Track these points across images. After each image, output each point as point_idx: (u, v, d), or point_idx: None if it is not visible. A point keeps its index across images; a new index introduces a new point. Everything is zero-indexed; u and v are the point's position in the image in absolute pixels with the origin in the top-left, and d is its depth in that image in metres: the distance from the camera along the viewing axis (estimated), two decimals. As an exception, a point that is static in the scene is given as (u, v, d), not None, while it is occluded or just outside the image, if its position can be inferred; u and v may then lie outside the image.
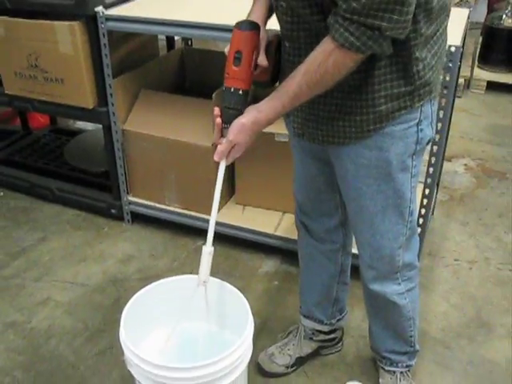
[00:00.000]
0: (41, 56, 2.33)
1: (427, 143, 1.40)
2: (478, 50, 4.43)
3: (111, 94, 2.28)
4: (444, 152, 2.58)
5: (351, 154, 1.38)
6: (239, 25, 1.30)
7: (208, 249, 1.46)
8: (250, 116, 1.27)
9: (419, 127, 1.34)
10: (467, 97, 4.21)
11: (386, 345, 1.76)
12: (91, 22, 2.16)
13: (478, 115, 3.94)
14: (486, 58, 4.33)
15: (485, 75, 4.29)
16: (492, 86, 4.26)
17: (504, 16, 4.13)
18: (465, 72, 4.23)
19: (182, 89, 2.64)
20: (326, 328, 1.91)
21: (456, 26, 1.95)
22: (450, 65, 1.76)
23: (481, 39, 4.43)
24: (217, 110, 1.32)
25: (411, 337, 1.72)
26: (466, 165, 3.26)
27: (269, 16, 1.42)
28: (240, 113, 1.30)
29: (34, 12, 2.29)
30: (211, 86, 2.22)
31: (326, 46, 1.16)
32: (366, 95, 1.27)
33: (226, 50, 1.33)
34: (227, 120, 1.31)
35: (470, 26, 5.22)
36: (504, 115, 3.94)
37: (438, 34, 1.28)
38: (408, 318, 1.67)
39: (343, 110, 1.31)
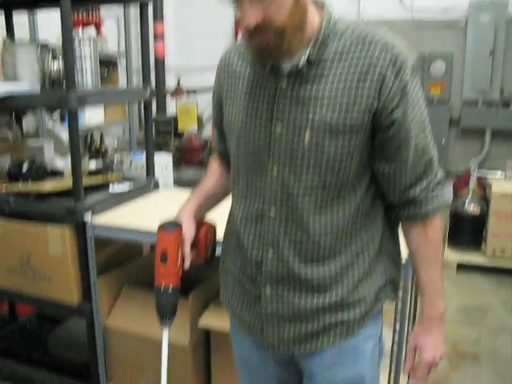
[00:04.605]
0: (32, 255, 2.52)
1: None
2: (448, 233, 4.71)
3: (95, 292, 2.44)
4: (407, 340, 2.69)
5: (326, 373, 1.40)
6: (163, 226, 1.40)
7: None
8: (438, 329, 1.40)
9: (380, 340, 1.46)
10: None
11: None
12: (80, 228, 2.37)
13: (451, 296, 4.10)
14: (455, 240, 4.59)
15: (455, 257, 4.53)
16: (463, 267, 4.48)
17: (466, 203, 4.48)
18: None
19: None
20: None
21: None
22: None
23: (449, 222, 4.73)
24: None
25: None
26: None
27: (208, 206, 1.55)
28: (172, 310, 1.40)
29: (30, 216, 2.51)
30: (190, 284, 2.39)
31: (432, 223, 1.35)
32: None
33: None
34: (162, 317, 1.41)
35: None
36: (475, 296, 4.11)
37: None
38: None
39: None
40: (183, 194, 2.80)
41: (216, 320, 2.33)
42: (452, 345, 3.38)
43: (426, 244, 1.36)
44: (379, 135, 1.25)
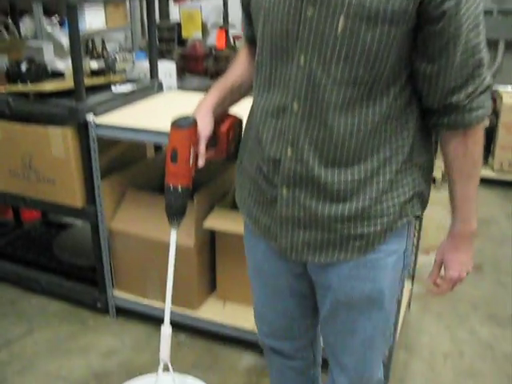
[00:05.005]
0: (34, 158, 2.48)
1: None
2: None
3: (99, 195, 2.42)
4: (418, 245, 2.69)
5: (344, 286, 1.34)
6: (176, 123, 1.32)
7: (166, 329, 1.49)
8: (467, 246, 1.33)
9: (405, 254, 1.37)
10: (444, 190, 4.37)
11: None
12: (82, 129, 2.31)
13: (456, 208, 4.09)
14: (462, 152, 4.53)
15: (461, 169, 4.48)
16: (469, 179, 4.44)
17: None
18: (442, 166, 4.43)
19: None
20: None
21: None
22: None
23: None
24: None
25: None
26: (442, 257, 3.37)
27: (232, 99, 1.46)
28: (181, 210, 1.37)
29: (30, 117, 2.45)
30: (194, 187, 2.36)
31: (474, 134, 1.21)
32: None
33: None
34: (171, 217, 1.39)
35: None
36: (481, 208, 4.03)
37: None
38: None
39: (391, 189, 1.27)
40: (190, 97, 2.76)
41: (221, 221, 2.32)
42: (456, 254, 3.39)
43: (465, 157, 1.23)
44: (425, 28, 1.10)
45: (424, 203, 1.34)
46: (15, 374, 2.37)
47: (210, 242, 2.48)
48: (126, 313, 2.72)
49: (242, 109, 1.50)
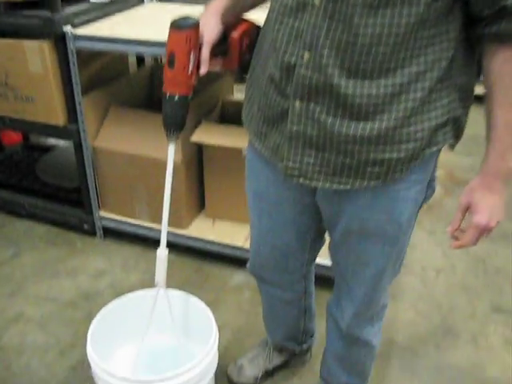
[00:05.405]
0: (11, 74, 2.34)
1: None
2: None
3: (81, 112, 2.31)
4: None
5: (358, 216, 1.23)
6: (175, 23, 1.19)
7: (162, 252, 1.45)
8: (501, 188, 1.14)
9: (429, 185, 1.25)
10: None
11: (340, 379, 1.67)
12: (60, 42, 2.18)
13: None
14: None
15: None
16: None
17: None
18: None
19: (151, 105, 2.68)
20: (296, 350, 1.90)
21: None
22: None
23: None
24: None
25: (368, 374, 1.68)
26: (434, 174, 3.33)
27: (246, 4, 1.31)
28: (178, 121, 1.28)
29: (3, 31, 2.30)
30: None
31: None
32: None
33: None
34: (167, 129, 1.30)
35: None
36: (472, 124, 4.01)
37: None
38: (374, 357, 1.63)
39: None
40: (174, 8, 2.60)
41: (209, 135, 2.25)
42: (447, 171, 3.36)
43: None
44: None
45: (459, 131, 1.19)
46: (4, 296, 2.33)
47: (198, 157, 2.41)
48: (113, 234, 2.67)
49: (258, 17, 1.33)
